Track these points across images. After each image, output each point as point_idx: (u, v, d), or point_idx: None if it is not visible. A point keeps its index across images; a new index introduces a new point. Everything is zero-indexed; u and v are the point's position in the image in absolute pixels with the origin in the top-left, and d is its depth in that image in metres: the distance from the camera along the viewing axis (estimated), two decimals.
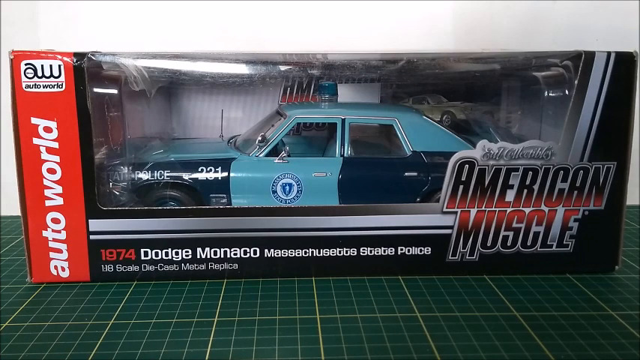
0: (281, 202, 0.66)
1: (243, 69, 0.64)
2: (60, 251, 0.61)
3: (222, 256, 0.62)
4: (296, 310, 0.56)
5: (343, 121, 0.68)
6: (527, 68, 0.68)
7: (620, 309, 0.56)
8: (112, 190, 0.65)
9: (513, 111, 0.76)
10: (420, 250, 0.63)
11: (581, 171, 0.61)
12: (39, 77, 0.57)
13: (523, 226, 0.62)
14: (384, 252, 0.63)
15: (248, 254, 0.62)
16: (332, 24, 0.86)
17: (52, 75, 0.57)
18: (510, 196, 0.62)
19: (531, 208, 0.62)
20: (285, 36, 0.86)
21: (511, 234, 0.63)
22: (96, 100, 0.60)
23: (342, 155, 0.67)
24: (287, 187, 0.66)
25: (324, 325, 0.53)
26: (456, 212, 0.62)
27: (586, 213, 0.62)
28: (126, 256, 0.62)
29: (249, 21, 0.86)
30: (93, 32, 0.85)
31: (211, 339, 0.51)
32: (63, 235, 0.61)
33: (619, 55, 0.59)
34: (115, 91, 0.65)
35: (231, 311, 0.56)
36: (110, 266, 0.62)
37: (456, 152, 0.61)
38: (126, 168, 0.66)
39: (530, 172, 0.61)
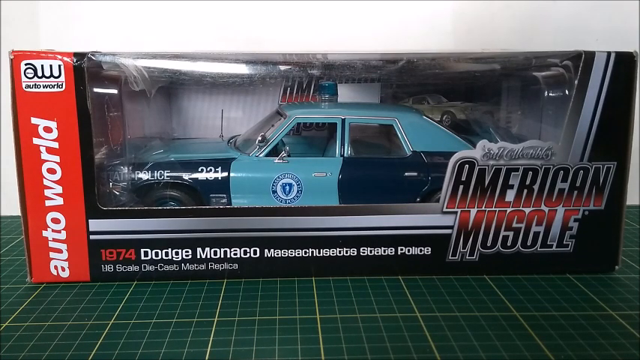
0: (281, 202, 0.66)
1: (243, 69, 0.64)
2: (60, 251, 0.61)
3: (222, 256, 0.62)
4: (296, 310, 0.56)
5: (343, 121, 0.68)
6: (527, 68, 0.68)
7: (620, 309, 0.56)
8: (112, 190, 0.65)
9: (513, 111, 0.76)
10: (420, 250, 0.63)
11: (581, 171, 0.61)
12: (39, 77, 0.57)
13: (523, 226, 0.62)
14: (384, 252, 0.63)
15: (248, 254, 0.62)
16: (332, 24, 0.86)
17: (52, 75, 0.57)
18: (510, 196, 0.62)
19: (531, 208, 0.62)
20: (285, 36, 0.86)
21: (511, 234, 0.63)
22: (96, 100, 0.60)
23: (342, 155, 0.67)
24: (287, 187, 0.66)
25: (324, 325, 0.53)
26: (456, 212, 0.62)
27: (586, 213, 0.62)
28: (126, 256, 0.62)
29: (249, 21, 0.86)
30: (93, 32, 0.85)
31: (211, 339, 0.51)
32: (63, 235, 0.61)
33: (619, 55, 0.59)
34: (115, 91, 0.65)
35: (231, 311, 0.56)
36: (110, 266, 0.62)
37: (456, 152, 0.61)
38: (126, 168, 0.66)
39: (530, 172, 0.61)
